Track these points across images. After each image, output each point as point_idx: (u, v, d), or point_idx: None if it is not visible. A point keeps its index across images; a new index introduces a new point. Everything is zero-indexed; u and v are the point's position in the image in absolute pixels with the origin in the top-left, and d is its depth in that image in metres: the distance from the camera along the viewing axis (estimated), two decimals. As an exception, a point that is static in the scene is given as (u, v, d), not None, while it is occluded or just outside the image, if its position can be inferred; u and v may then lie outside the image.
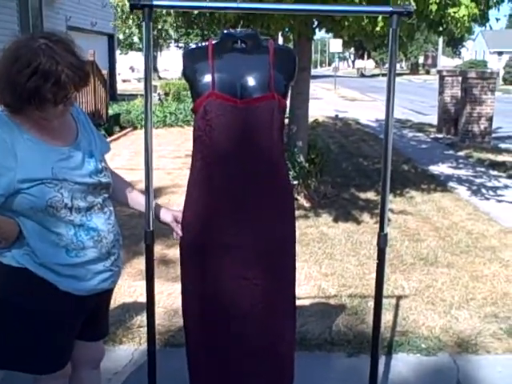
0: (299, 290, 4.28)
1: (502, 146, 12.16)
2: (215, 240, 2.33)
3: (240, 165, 2.27)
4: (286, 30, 7.07)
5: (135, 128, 13.98)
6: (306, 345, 3.56)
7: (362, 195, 7.50)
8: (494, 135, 12.75)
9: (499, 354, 3.55)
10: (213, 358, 2.41)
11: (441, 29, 6.42)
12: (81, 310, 2.14)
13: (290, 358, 2.51)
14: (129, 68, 39.72)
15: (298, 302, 3.99)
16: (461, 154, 11.16)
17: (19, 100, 1.86)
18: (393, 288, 4.47)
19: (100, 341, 2.44)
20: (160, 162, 9.27)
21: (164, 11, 9.49)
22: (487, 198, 7.61)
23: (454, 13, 5.55)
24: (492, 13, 6.78)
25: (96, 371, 2.46)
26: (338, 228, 6.07)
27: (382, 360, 3.34)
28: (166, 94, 17.42)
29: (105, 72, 13.80)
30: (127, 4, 7.15)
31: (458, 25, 5.71)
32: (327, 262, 5.06)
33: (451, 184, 8.40)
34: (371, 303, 3.16)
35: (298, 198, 6.81)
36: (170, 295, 4.16)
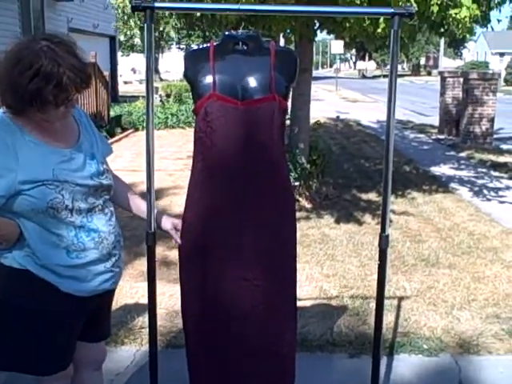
0: (300, 291, 4.28)
1: (504, 146, 12.15)
2: (216, 241, 2.33)
3: (240, 166, 2.27)
4: (288, 31, 7.07)
5: (137, 129, 13.99)
6: (308, 346, 3.56)
7: (364, 196, 7.50)
8: (495, 136, 12.75)
9: (501, 354, 3.55)
10: (213, 359, 2.41)
11: (442, 30, 6.42)
12: (82, 311, 2.14)
13: (290, 358, 2.50)
14: (130, 70, 39.78)
15: (300, 303, 4.00)
16: (462, 154, 11.15)
17: (21, 102, 1.87)
18: (394, 289, 4.47)
19: (102, 342, 2.44)
20: (161, 163, 9.27)
21: (165, 13, 9.50)
22: (489, 199, 7.61)
23: (456, 14, 5.54)
24: (493, 14, 6.78)
25: (98, 372, 2.46)
26: (339, 229, 6.07)
27: (383, 361, 3.34)
28: (168, 96, 17.43)
29: (106, 74, 13.81)
30: (128, 5, 7.16)
31: (460, 26, 5.70)
32: (329, 263, 5.06)
33: (453, 185, 8.39)
34: (373, 304, 3.16)
35: (300, 199, 6.81)
36: (171, 296, 4.16)
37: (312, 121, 8.20)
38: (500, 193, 7.96)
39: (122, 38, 27.01)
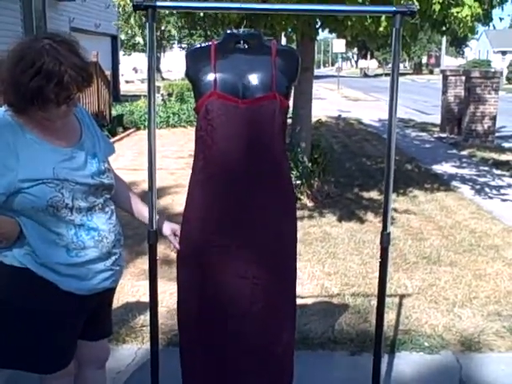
0: (302, 289, 4.29)
1: (506, 145, 12.14)
2: (215, 239, 2.33)
3: (241, 164, 2.28)
4: (290, 30, 7.07)
5: (138, 129, 14.00)
6: (309, 343, 3.57)
7: (365, 195, 7.50)
8: (497, 134, 12.74)
9: (502, 352, 3.55)
10: (210, 357, 2.41)
11: (444, 28, 6.43)
12: (82, 309, 2.15)
13: (288, 358, 2.49)
14: (132, 69, 39.76)
15: (301, 301, 4.02)
16: (464, 153, 11.15)
17: (22, 100, 1.87)
18: (396, 287, 4.48)
19: (104, 341, 2.45)
20: (163, 162, 9.28)
21: (166, 11, 9.48)
22: (490, 197, 7.61)
23: (457, 13, 5.54)
24: (495, 12, 6.78)
25: (101, 371, 2.47)
26: (341, 227, 6.08)
27: (384, 358, 3.34)
28: (169, 95, 17.43)
29: (108, 73, 13.81)
30: (129, 3, 7.16)
31: (461, 25, 5.70)
32: (330, 261, 5.06)
33: (454, 183, 8.39)
34: (374, 302, 3.16)
35: (302, 197, 6.82)
36: (172, 295, 4.16)
37: (314, 119, 8.21)
38: (502, 191, 7.96)
39: (123, 36, 26.98)
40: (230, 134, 2.26)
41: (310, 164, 7.00)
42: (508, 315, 4.02)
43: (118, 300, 3.96)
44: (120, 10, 19.74)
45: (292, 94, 2.46)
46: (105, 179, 2.12)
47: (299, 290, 4.11)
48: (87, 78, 1.94)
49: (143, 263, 4.62)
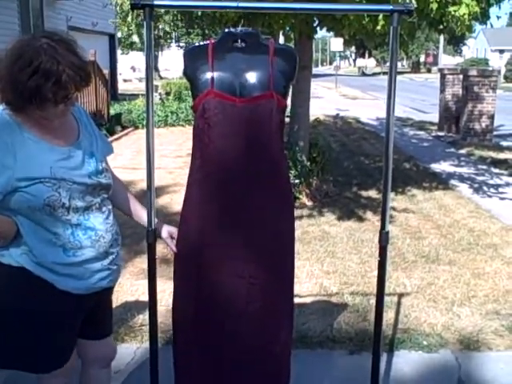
0: (301, 288, 4.29)
1: (504, 143, 12.16)
2: (212, 238, 2.32)
3: (239, 163, 2.27)
4: (287, 28, 7.07)
5: (136, 128, 13.99)
6: (308, 342, 3.57)
7: (364, 193, 7.50)
8: (495, 133, 12.75)
9: (501, 350, 3.55)
10: (206, 357, 2.40)
11: (441, 27, 6.43)
12: (80, 308, 2.15)
13: (285, 358, 2.48)
14: (130, 68, 39.71)
15: (300, 300, 4.02)
16: (462, 151, 11.16)
17: (20, 98, 1.87)
18: (394, 286, 4.48)
19: (109, 339, 2.45)
20: (161, 161, 9.28)
21: (162, 10, 9.48)
22: (489, 196, 7.62)
23: (455, 11, 5.55)
24: (493, 10, 6.83)
25: (106, 370, 2.47)
26: (339, 226, 6.08)
27: (383, 357, 3.35)
28: (167, 94, 17.43)
29: (106, 72, 13.81)
30: (127, 2, 7.15)
31: (459, 23, 5.71)
32: (329, 260, 5.06)
33: (453, 182, 8.40)
34: (373, 301, 3.16)
35: (300, 196, 6.82)
36: (171, 294, 4.15)
37: (312, 118, 8.21)
38: (500, 189, 7.97)
39: (119, 34, 26.93)
40: (226, 132, 2.25)
41: (308, 163, 7.00)
42: (507, 314, 4.02)
43: (117, 299, 3.95)
44: (117, 8, 19.76)
45: (290, 93, 2.45)
46: (102, 179, 2.11)
47: (298, 289, 4.11)
48: (85, 78, 1.93)
49: (142, 262, 4.61)
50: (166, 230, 2.41)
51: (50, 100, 1.87)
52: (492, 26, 7.16)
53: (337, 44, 28.57)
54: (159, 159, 9.14)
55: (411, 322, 3.87)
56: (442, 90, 13.75)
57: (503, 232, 5.95)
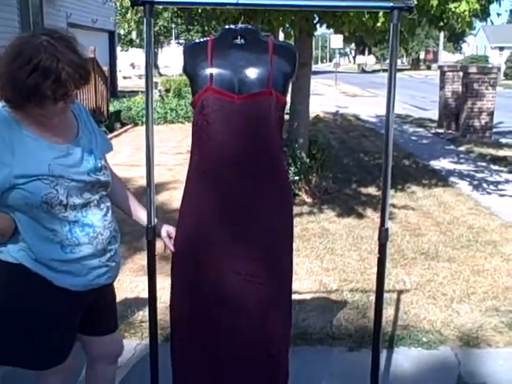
0: (300, 285, 4.30)
1: (503, 140, 12.15)
2: (210, 235, 2.32)
3: (237, 159, 2.27)
4: (287, 25, 7.06)
5: (136, 124, 13.98)
6: (308, 339, 3.57)
7: (363, 190, 7.50)
8: (494, 130, 12.75)
9: (500, 347, 3.56)
10: (204, 354, 2.39)
11: (442, 24, 6.41)
12: (78, 305, 2.15)
13: (284, 355, 2.48)
14: (129, 65, 39.67)
15: (300, 297, 4.02)
16: (462, 148, 11.15)
17: (20, 96, 1.86)
18: (394, 282, 4.49)
19: (116, 335, 2.46)
20: (161, 158, 9.28)
21: (161, 6, 9.47)
22: (488, 193, 7.62)
23: (455, 8, 5.54)
24: (493, 7, 6.79)
25: (112, 366, 2.48)
26: (339, 223, 6.08)
27: (383, 354, 3.36)
28: (167, 91, 17.42)
29: (105, 69, 13.79)
30: None
31: (459, 20, 5.70)
32: (328, 256, 5.07)
33: (452, 179, 8.40)
34: (372, 297, 3.16)
35: (300, 193, 6.82)
36: (171, 291, 4.17)
37: (311, 115, 8.21)
38: (499, 186, 7.97)
39: (122, 31, 26.91)
40: (225, 129, 2.25)
41: (307, 160, 7.00)
42: (506, 310, 4.03)
43: (117, 296, 3.94)
44: (117, 5, 19.75)
45: (290, 90, 2.45)
46: (101, 176, 2.11)
47: (297, 286, 4.11)
48: (85, 76, 1.93)
49: (142, 259, 4.62)
50: (165, 230, 2.41)
51: (49, 98, 1.87)
52: (492, 23, 7.15)
53: (337, 41, 28.57)
54: (159, 156, 9.13)
55: (411, 319, 3.88)
56: (442, 87, 13.74)
57: (503, 229, 5.95)
